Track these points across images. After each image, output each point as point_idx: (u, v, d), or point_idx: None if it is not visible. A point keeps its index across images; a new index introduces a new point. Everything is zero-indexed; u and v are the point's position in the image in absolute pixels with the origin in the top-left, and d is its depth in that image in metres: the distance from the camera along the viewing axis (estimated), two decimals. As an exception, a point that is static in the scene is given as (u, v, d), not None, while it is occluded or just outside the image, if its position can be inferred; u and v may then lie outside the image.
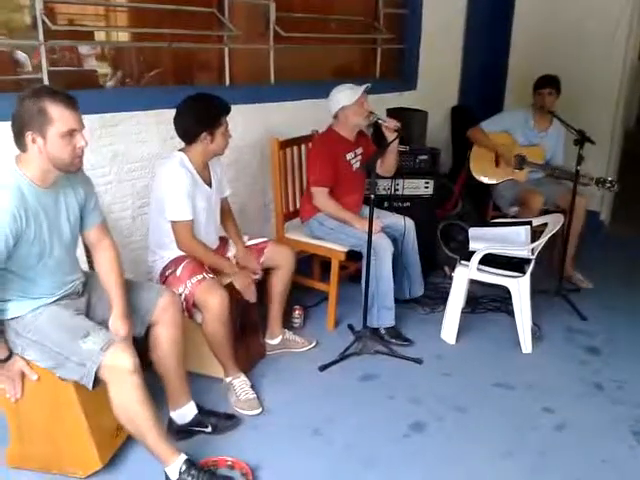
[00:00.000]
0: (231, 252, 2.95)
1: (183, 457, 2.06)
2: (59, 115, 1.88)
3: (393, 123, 3.15)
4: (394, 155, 3.35)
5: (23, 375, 2.05)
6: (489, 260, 3.14)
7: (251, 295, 2.78)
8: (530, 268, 3.16)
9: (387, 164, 3.38)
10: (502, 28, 5.20)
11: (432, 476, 2.26)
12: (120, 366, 1.94)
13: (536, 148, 4.09)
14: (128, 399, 1.97)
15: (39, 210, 1.95)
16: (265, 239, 3.04)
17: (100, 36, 3.09)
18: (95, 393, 2.03)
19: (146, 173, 3.02)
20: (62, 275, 2.11)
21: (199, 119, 2.63)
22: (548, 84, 3.99)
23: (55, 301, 2.08)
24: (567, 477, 2.28)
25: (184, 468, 2.04)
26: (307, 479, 2.23)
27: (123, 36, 3.18)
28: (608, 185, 3.77)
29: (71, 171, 2.00)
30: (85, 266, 2.43)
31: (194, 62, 3.40)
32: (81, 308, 2.16)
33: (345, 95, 3.15)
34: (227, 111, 2.67)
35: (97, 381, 1.97)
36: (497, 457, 2.38)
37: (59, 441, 2.15)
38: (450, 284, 3.31)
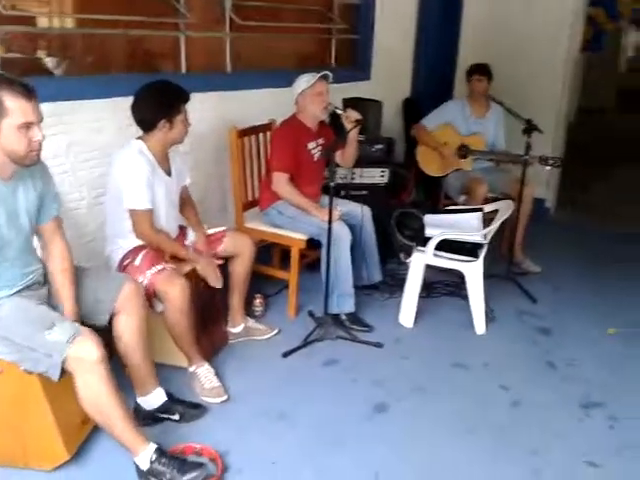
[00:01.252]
0: (189, 240, 2.94)
1: (153, 446, 2.06)
2: (16, 106, 1.82)
3: (354, 115, 3.19)
4: (354, 146, 3.40)
5: (-14, 369, 2.01)
6: (444, 246, 3.24)
7: (216, 280, 2.77)
8: (483, 253, 3.27)
9: (347, 155, 3.43)
10: (452, 22, 5.33)
11: (398, 454, 2.33)
12: (86, 357, 1.92)
13: (477, 136, 4.23)
14: (95, 390, 1.95)
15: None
16: (224, 228, 3.04)
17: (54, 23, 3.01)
18: (60, 385, 2.00)
19: (102, 162, 2.96)
20: (22, 266, 2.07)
21: (157, 107, 2.60)
22: (477, 71, 4.17)
23: (17, 292, 2.04)
24: (525, 450, 2.39)
25: (154, 457, 2.04)
26: (276, 462, 2.26)
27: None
28: (551, 162, 3.83)
29: (26, 165, 1.95)
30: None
31: (149, 49, 3.34)
32: (43, 298, 2.12)
33: (304, 81, 3.19)
34: (186, 98, 2.64)
35: (63, 372, 1.95)
36: (459, 434, 2.47)
37: (24, 435, 2.11)
38: (406, 270, 3.39)
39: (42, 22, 2.94)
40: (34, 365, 1.95)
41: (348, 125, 3.19)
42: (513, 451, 2.38)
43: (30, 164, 1.94)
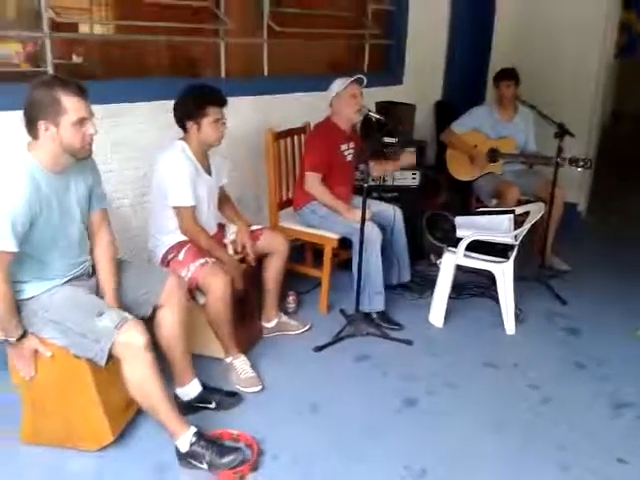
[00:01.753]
0: (228, 239, 3.05)
1: (193, 429, 2.16)
2: (71, 104, 1.97)
3: (408, 160, 3.55)
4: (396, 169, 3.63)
5: (36, 354, 2.13)
6: (474, 247, 3.29)
7: (240, 283, 2.84)
8: (514, 254, 3.31)
9: (383, 170, 3.61)
10: (484, 27, 5.37)
11: (427, 446, 2.40)
12: (134, 343, 2.04)
13: (507, 139, 4.27)
14: (141, 374, 2.07)
15: (51, 195, 2.04)
16: (260, 226, 3.14)
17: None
18: (106, 370, 2.13)
19: (145, 162, 3.10)
20: (73, 257, 2.20)
21: (185, 108, 2.73)
22: (504, 77, 4.20)
23: (67, 281, 2.17)
24: (554, 446, 2.43)
25: (194, 440, 2.14)
26: (310, 450, 2.35)
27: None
28: (582, 163, 3.86)
29: (81, 157, 2.09)
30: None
31: (190, 55, 3.48)
32: (91, 289, 2.24)
33: (338, 84, 3.30)
34: (215, 102, 2.71)
35: (109, 358, 2.07)
36: (488, 428, 2.52)
37: (72, 417, 2.24)
38: (436, 271, 3.45)
39: (83, 29, 3.10)
40: (83, 350, 2.07)
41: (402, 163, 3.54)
42: (541, 447, 2.43)
43: (84, 156, 2.09)
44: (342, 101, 3.32)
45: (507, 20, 5.35)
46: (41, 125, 1.97)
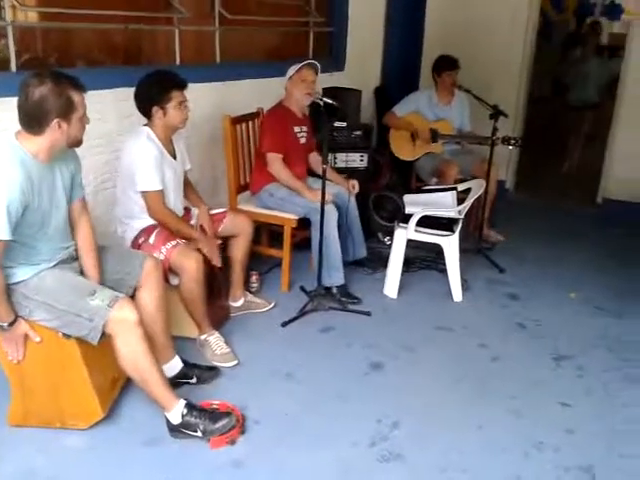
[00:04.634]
0: (193, 220, 3.14)
1: (183, 402, 2.28)
2: (80, 101, 2.09)
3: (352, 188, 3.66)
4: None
5: (26, 338, 2.19)
6: (422, 222, 3.54)
7: (217, 259, 2.99)
8: (459, 227, 3.59)
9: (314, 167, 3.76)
10: (417, 15, 5.64)
11: (396, 402, 2.62)
12: (127, 319, 2.14)
13: (444, 121, 4.56)
14: (134, 349, 2.17)
15: (42, 183, 2.10)
16: (224, 209, 3.26)
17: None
18: (94, 349, 2.21)
19: (106, 149, 3.14)
20: (59, 242, 2.26)
21: (150, 94, 2.79)
22: (447, 67, 4.45)
23: (55, 265, 2.23)
24: (506, 397, 2.70)
25: (186, 411, 2.26)
26: (289, 413, 2.52)
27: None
28: (513, 142, 4.15)
29: (77, 146, 2.20)
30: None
31: (146, 43, 3.52)
32: (77, 271, 2.32)
33: (292, 68, 3.45)
34: (177, 85, 2.79)
35: (102, 336, 2.15)
36: (447, 384, 2.78)
37: (61, 396, 2.30)
38: (384, 248, 3.70)
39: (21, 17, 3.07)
40: (77, 330, 2.15)
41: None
42: (495, 396, 2.70)
43: (77, 146, 2.19)
44: (293, 84, 3.48)
45: (438, 8, 5.63)
46: (54, 122, 2.03)
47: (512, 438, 2.43)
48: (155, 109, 2.78)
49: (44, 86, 2.00)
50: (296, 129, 3.59)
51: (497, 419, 2.55)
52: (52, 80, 2.02)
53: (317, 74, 3.49)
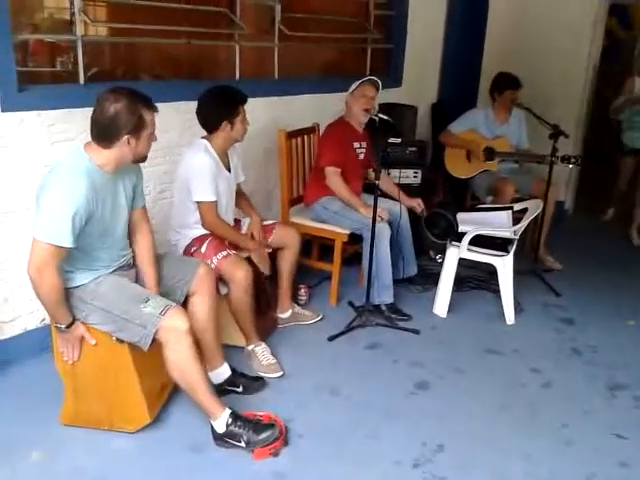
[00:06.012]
0: (244, 230, 3.19)
1: (228, 411, 2.31)
2: (150, 120, 2.18)
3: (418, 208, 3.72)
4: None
5: (82, 340, 2.27)
6: (475, 242, 3.48)
7: (267, 267, 3.04)
8: (513, 248, 3.51)
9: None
10: (477, 32, 5.56)
11: (441, 425, 2.58)
12: (177, 327, 2.18)
13: (502, 139, 4.47)
14: (183, 357, 2.21)
15: (106, 194, 2.19)
16: (273, 221, 3.31)
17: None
18: (145, 355, 2.27)
19: (166, 160, 3.24)
20: (118, 249, 2.35)
21: (219, 109, 2.88)
22: (510, 86, 4.36)
23: (112, 272, 2.31)
24: (557, 425, 2.62)
25: (231, 420, 2.29)
26: (333, 429, 2.51)
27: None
28: (573, 160, 4.05)
29: (142, 162, 2.29)
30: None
31: (207, 58, 3.63)
32: (133, 278, 2.39)
33: (354, 84, 3.50)
34: (244, 100, 2.91)
35: (152, 342, 2.21)
36: (495, 409, 2.72)
37: (112, 399, 2.37)
38: (435, 266, 3.65)
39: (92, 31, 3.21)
40: (129, 335, 2.21)
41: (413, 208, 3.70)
42: (545, 425, 2.62)
43: (143, 161, 2.28)
44: (354, 99, 3.51)
45: (498, 26, 5.56)
46: (124, 138, 2.12)
47: (561, 469, 2.35)
48: (225, 123, 2.86)
49: (119, 103, 2.08)
50: (355, 144, 3.62)
51: (546, 448, 2.47)
52: (127, 97, 2.10)
53: (378, 91, 3.51)
